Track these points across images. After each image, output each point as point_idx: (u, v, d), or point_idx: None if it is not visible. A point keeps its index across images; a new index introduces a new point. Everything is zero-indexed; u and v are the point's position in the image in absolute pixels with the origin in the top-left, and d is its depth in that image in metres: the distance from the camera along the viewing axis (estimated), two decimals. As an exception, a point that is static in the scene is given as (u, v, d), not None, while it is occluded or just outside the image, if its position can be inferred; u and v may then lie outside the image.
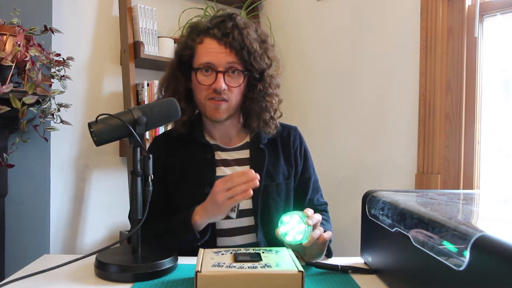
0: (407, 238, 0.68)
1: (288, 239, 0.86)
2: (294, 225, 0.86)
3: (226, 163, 1.11)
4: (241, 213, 1.08)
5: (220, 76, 1.02)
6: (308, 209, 0.90)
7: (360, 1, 2.00)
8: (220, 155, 1.12)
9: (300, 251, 0.91)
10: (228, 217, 0.95)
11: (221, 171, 1.09)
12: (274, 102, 1.11)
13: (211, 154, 1.10)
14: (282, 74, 2.28)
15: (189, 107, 1.10)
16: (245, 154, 1.13)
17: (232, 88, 1.04)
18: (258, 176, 0.90)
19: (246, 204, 1.09)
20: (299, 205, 1.15)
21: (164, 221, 1.05)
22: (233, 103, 1.06)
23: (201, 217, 0.95)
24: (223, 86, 1.02)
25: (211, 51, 1.03)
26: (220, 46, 1.02)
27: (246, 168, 1.11)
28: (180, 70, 1.10)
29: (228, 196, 0.89)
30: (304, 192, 1.19)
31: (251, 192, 0.89)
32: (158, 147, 1.14)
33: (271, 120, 1.12)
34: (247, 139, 1.16)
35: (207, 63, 1.03)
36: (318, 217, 0.89)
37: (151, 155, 0.86)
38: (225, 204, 0.90)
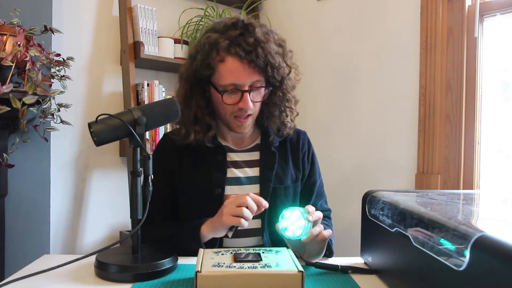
0: (407, 238, 0.68)
1: (288, 234, 0.87)
2: (294, 220, 0.86)
3: (237, 164, 1.11)
4: None
5: (246, 95, 1.00)
6: (309, 205, 0.90)
7: (360, 1, 2.00)
8: (231, 157, 1.11)
9: (299, 248, 0.91)
10: (225, 236, 0.95)
11: (231, 172, 1.09)
12: (293, 106, 1.12)
13: (222, 156, 1.09)
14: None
15: (214, 121, 1.08)
16: (255, 156, 1.13)
17: (256, 103, 1.04)
18: (267, 205, 0.92)
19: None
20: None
21: (171, 224, 1.05)
22: (256, 114, 1.08)
23: (207, 229, 0.95)
24: (251, 105, 1.01)
25: (235, 71, 0.98)
26: (244, 65, 0.98)
27: (256, 170, 1.11)
28: (199, 86, 1.06)
29: (234, 212, 0.89)
30: (308, 197, 1.18)
31: (248, 221, 0.90)
32: (167, 146, 1.13)
33: (289, 121, 1.13)
34: (258, 141, 1.15)
35: (232, 84, 1.00)
36: (319, 214, 0.89)
37: (151, 155, 0.86)
38: (228, 218, 0.89)
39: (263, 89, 1.04)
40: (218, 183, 1.05)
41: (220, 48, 0.99)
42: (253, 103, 1.02)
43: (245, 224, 0.89)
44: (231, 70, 0.99)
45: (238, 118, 1.04)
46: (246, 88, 1.00)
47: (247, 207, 0.90)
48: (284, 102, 1.09)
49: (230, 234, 0.93)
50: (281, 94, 1.08)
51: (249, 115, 1.04)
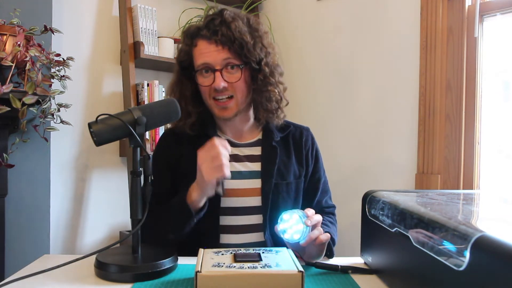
0: (407, 238, 0.68)
1: (286, 237, 0.87)
2: (293, 224, 0.86)
3: (238, 158, 1.11)
4: (249, 211, 1.08)
5: (218, 74, 1.03)
6: (308, 209, 0.90)
7: (360, 1, 2.00)
8: (231, 151, 1.11)
9: (299, 249, 0.91)
10: (218, 195, 0.97)
11: (232, 166, 1.08)
12: (277, 91, 1.10)
13: None
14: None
15: (196, 109, 1.10)
16: (257, 151, 1.13)
17: (234, 84, 1.04)
18: (229, 149, 0.92)
19: (255, 202, 1.08)
20: (307, 206, 1.14)
21: (162, 208, 1.05)
22: (240, 98, 1.06)
23: (197, 193, 0.95)
24: (222, 84, 1.02)
25: (205, 52, 1.04)
26: (211, 44, 1.03)
27: (257, 165, 1.11)
28: (185, 76, 1.11)
29: (213, 166, 0.89)
30: (313, 194, 1.18)
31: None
32: (167, 141, 1.15)
33: (278, 110, 1.12)
34: (259, 136, 1.15)
35: (203, 64, 1.04)
36: (318, 218, 0.89)
37: (151, 156, 0.86)
38: (211, 175, 0.89)
39: (238, 70, 1.05)
40: None
41: (191, 34, 1.07)
42: (228, 84, 1.03)
43: (228, 173, 0.89)
44: (202, 52, 1.04)
45: (219, 101, 1.05)
46: (218, 67, 1.03)
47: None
48: (267, 86, 1.08)
49: (221, 191, 0.94)
50: (262, 78, 1.07)
51: (229, 98, 1.05)
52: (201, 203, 0.97)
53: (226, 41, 1.02)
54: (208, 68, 1.04)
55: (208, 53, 1.03)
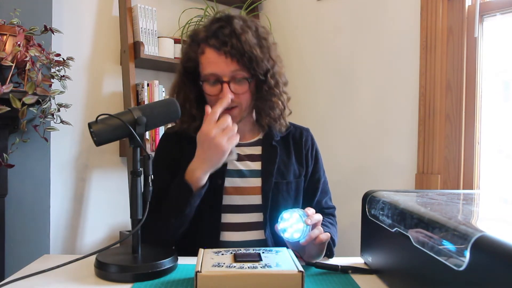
0: (407, 238, 0.68)
1: (287, 235, 0.87)
2: (293, 223, 0.86)
3: (238, 157, 1.11)
4: (250, 209, 1.08)
5: (226, 86, 1.01)
6: (308, 208, 0.90)
7: (360, 1, 2.00)
8: None
9: (299, 249, 0.91)
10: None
11: (232, 164, 1.09)
12: (280, 101, 1.11)
13: None
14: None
15: (201, 112, 1.08)
16: (257, 150, 1.13)
17: (240, 95, 1.04)
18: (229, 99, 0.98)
19: (256, 200, 1.09)
20: (307, 206, 1.15)
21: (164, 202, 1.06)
22: (244, 106, 1.06)
23: (202, 169, 0.95)
24: (230, 96, 1.02)
25: (213, 62, 1.02)
26: (220, 56, 1.01)
27: (258, 164, 1.11)
28: (188, 78, 1.10)
29: (227, 137, 0.93)
30: (312, 194, 1.18)
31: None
32: (168, 140, 1.15)
33: (281, 118, 1.13)
34: (260, 136, 1.16)
35: (211, 74, 1.02)
36: (318, 217, 0.89)
37: (151, 156, 0.86)
38: (226, 146, 0.93)
39: (245, 81, 1.04)
40: (218, 175, 1.05)
41: (199, 41, 1.05)
42: (235, 95, 1.03)
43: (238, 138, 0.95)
44: (210, 61, 1.03)
45: (224, 110, 1.05)
46: (226, 79, 1.02)
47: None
48: (271, 97, 1.08)
49: (235, 156, 0.97)
50: (267, 88, 1.07)
51: (234, 107, 1.04)
52: (204, 180, 0.98)
53: (236, 54, 1.00)
54: (216, 78, 1.03)
55: (216, 63, 1.01)
